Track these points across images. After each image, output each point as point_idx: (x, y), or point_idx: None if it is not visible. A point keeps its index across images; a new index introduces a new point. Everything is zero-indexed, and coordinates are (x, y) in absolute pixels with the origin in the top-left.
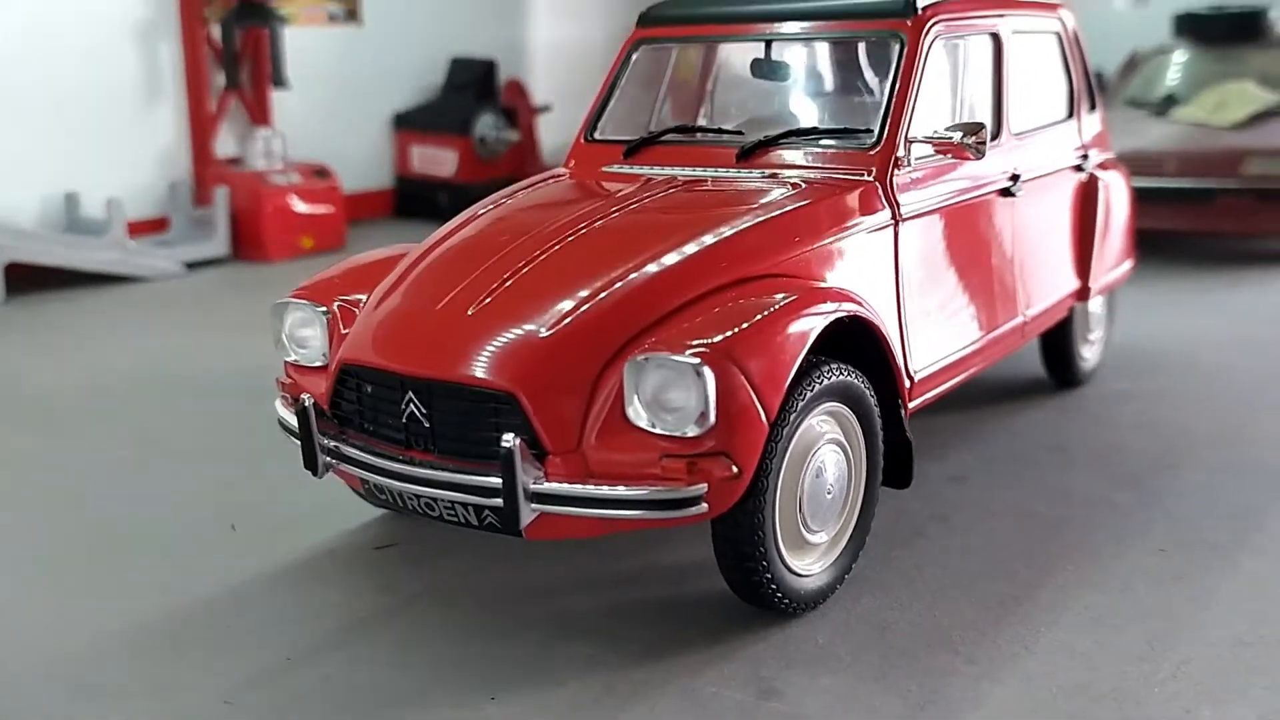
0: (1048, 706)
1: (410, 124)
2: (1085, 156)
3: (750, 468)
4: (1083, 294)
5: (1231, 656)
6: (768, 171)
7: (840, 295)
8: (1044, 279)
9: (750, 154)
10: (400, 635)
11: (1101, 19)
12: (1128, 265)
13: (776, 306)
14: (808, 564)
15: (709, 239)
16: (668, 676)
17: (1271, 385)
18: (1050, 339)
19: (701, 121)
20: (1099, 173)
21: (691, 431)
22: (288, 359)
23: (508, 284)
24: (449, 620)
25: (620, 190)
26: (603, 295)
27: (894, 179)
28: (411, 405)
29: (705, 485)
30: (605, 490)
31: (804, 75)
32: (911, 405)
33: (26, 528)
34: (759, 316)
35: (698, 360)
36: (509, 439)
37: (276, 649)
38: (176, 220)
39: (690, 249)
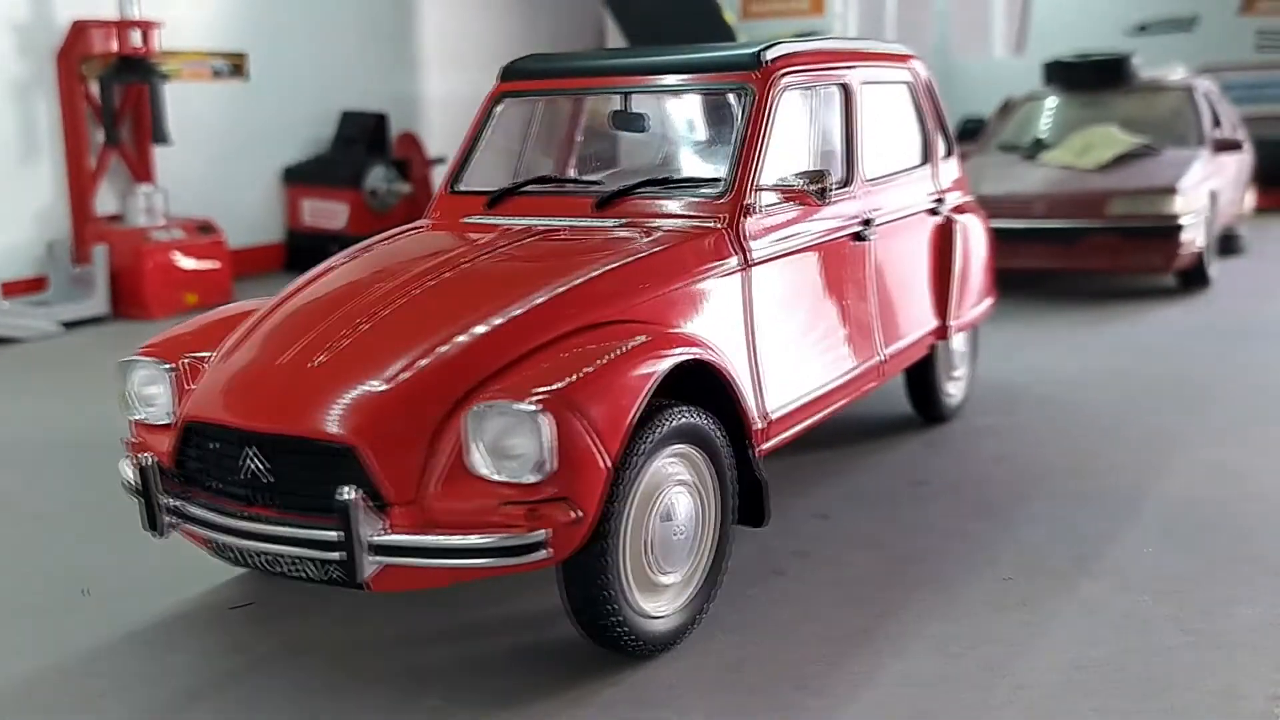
0: None
1: (300, 177)
2: (940, 200)
3: (592, 512)
4: (942, 333)
5: (1065, 680)
6: (623, 220)
7: (686, 340)
8: (901, 319)
9: (607, 203)
10: (248, 696)
11: (985, 67)
12: (987, 303)
13: (619, 353)
14: (659, 606)
15: (559, 287)
16: None
17: (1126, 417)
18: (914, 376)
19: (570, 172)
20: (956, 216)
21: (531, 478)
22: (134, 418)
23: (351, 337)
24: (299, 679)
25: (476, 240)
26: (445, 346)
27: (744, 226)
28: (253, 461)
29: (547, 531)
30: (447, 540)
31: (662, 126)
32: (768, 445)
33: None
34: (600, 362)
35: (536, 407)
36: (346, 491)
37: (123, 714)
38: (55, 279)
39: (538, 297)
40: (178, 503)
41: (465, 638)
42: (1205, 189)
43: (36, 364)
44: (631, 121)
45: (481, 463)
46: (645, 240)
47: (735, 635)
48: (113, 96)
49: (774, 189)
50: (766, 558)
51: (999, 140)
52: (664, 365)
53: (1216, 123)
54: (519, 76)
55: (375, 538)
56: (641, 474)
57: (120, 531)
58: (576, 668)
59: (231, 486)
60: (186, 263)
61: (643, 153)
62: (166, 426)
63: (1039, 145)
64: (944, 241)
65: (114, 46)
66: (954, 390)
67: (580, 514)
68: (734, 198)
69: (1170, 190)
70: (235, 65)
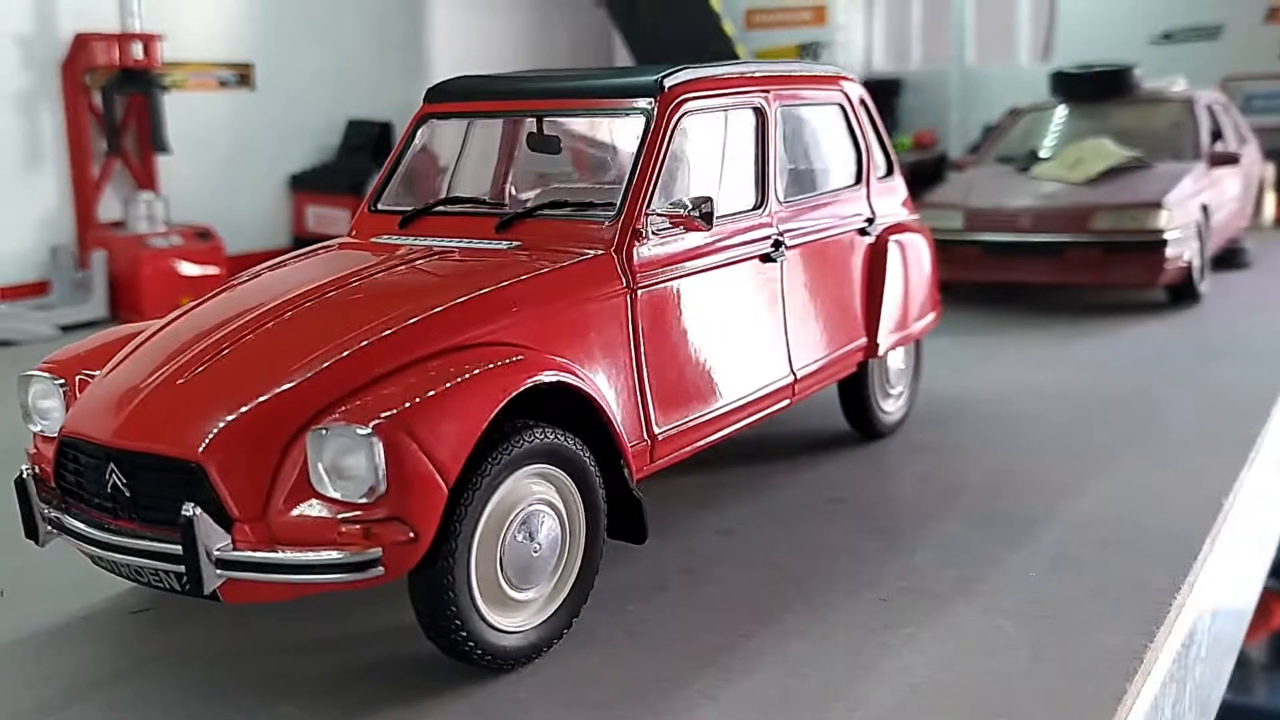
0: None
1: (306, 185)
2: (870, 220)
3: (428, 532)
4: (871, 350)
5: (899, 702)
6: (517, 243)
7: (550, 364)
8: (818, 337)
9: (508, 225)
10: (124, 698)
11: (1010, 75)
12: (926, 320)
13: (466, 376)
14: (518, 622)
15: (433, 309)
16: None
17: (1067, 435)
18: (846, 393)
19: (490, 193)
20: (897, 235)
21: (365, 498)
22: (33, 429)
23: (216, 360)
24: (180, 682)
25: (372, 261)
26: (302, 369)
27: (633, 250)
28: (114, 476)
29: (380, 550)
30: (285, 556)
31: (572, 149)
32: (659, 463)
33: None
34: (446, 386)
35: (369, 430)
36: (188, 508)
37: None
38: (58, 283)
39: (409, 319)
40: (55, 514)
41: (342, 648)
42: (1196, 203)
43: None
44: (546, 144)
45: (322, 483)
46: (531, 263)
47: (601, 651)
48: (114, 107)
49: (663, 214)
50: (656, 573)
51: (998, 151)
52: (512, 389)
53: (1218, 136)
54: (442, 98)
55: (219, 553)
56: (490, 494)
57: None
58: (431, 680)
59: (99, 500)
60: (185, 268)
61: (557, 175)
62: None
63: (1033, 158)
64: (874, 261)
65: (116, 58)
66: (890, 407)
67: (416, 534)
68: (624, 222)
69: (1155, 205)
70: (242, 75)
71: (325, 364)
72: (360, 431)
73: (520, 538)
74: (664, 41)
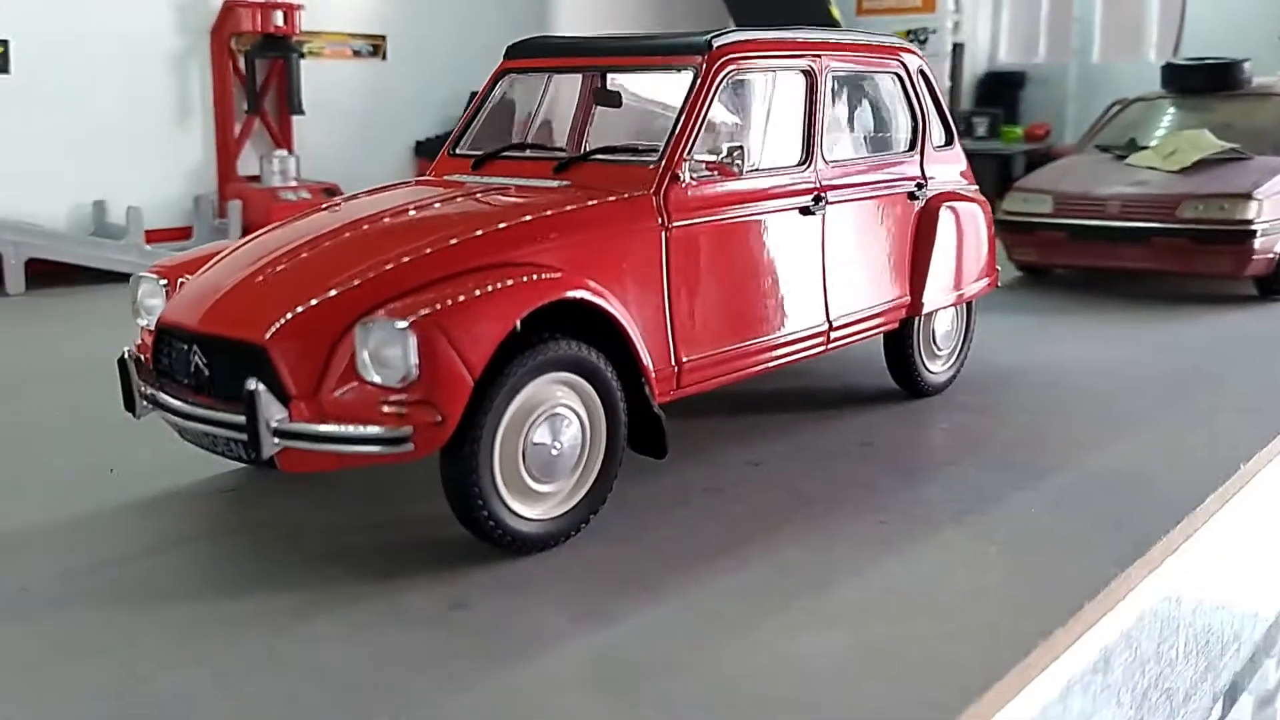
0: (686, 625)
1: (430, 151)
2: (921, 185)
3: (454, 417)
4: (914, 309)
5: (873, 600)
6: (568, 183)
7: (574, 283)
8: (858, 291)
9: (565, 168)
10: (208, 554)
11: (1137, 69)
12: (978, 286)
13: (496, 287)
14: (539, 511)
15: (476, 231)
16: (380, 592)
17: (1112, 401)
18: (891, 349)
19: (560, 139)
20: (950, 202)
21: (401, 384)
22: (140, 323)
23: (289, 264)
24: (250, 547)
25: (439, 194)
26: (359, 275)
27: (669, 192)
28: (196, 357)
29: (411, 428)
30: (330, 428)
31: (637, 102)
32: (686, 389)
33: None
34: (478, 293)
35: (406, 324)
36: (252, 382)
37: (84, 561)
38: (199, 230)
39: (456, 239)
40: (151, 391)
41: (389, 528)
42: None
43: None
44: (609, 98)
45: (366, 369)
46: (575, 198)
47: (614, 545)
48: (255, 70)
49: (701, 160)
50: (681, 490)
51: (1099, 140)
52: (536, 301)
53: None
54: (520, 54)
55: (276, 423)
56: (515, 393)
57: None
58: (466, 555)
59: (185, 379)
60: None
61: (619, 125)
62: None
63: (1132, 146)
64: (924, 224)
65: (259, 25)
66: (937, 368)
67: (443, 418)
68: (664, 166)
69: (1246, 196)
70: (375, 46)
71: (378, 271)
72: (399, 325)
73: (542, 435)
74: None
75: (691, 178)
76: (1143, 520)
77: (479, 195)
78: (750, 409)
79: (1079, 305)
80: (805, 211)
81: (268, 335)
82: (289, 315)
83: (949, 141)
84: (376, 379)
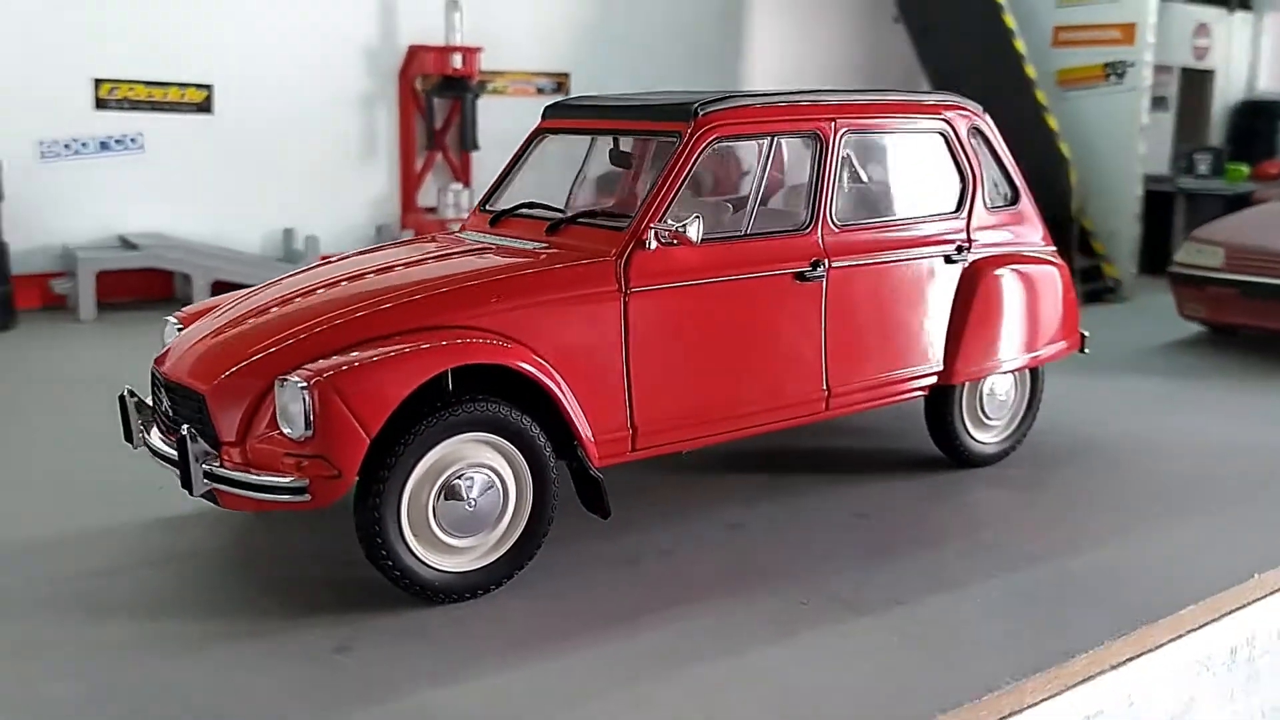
0: (535, 691)
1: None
2: (962, 248)
3: (350, 472)
4: (946, 376)
5: (732, 689)
6: (544, 244)
7: (494, 350)
8: (869, 357)
9: (556, 229)
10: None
11: None
12: (1035, 355)
13: (405, 350)
14: (454, 563)
15: (428, 291)
16: (280, 627)
17: (1170, 484)
18: (930, 416)
19: (580, 199)
20: (1004, 265)
21: (301, 438)
22: None
23: (258, 318)
24: (214, 571)
25: (428, 250)
26: (298, 333)
27: (634, 257)
28: (164, 400)
29: (308, 480)
30: (246, 476)
31: (641, 165)
32: (643, 450)
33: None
34: (382, 356)
35: (304, 383)
36: (185, 427)
37: (92, 562)
38: None
39: (390, 304)
40: (142, 427)
41: (337, 562)
42: None
43: None
44: (622, 159)
45: (279, 421)
46: (536, 261)
47: (533, 602)
48: (434, 109)
49: (662, 228)
50: (636, 549)
51: None
52: (438, 368)
53: None
54: (553, 115)
55: (206, 465)
56: (424, 451)
57: None
58: (373, 597)
59: (163, 418)
60: None
61: (622, 186)
62: None
63: None
64: (965, 288)
65: (440, 67)
66: (985, 438)
67: (338, 472)
68: (630, 233)
69: None
70: (559, 83)
71: (312, 331)
72: (299, 384)
73: (456, 492)
74: (954, 58)
75: (660, 243)
76: (1078, 634)
77: (459, 254)
78: (770, 466)
79: (1251, 371)
80: (801, 277)
81: (209, 385)
82: (232, 369)
83: (1013, 201)
84: (287, 432)
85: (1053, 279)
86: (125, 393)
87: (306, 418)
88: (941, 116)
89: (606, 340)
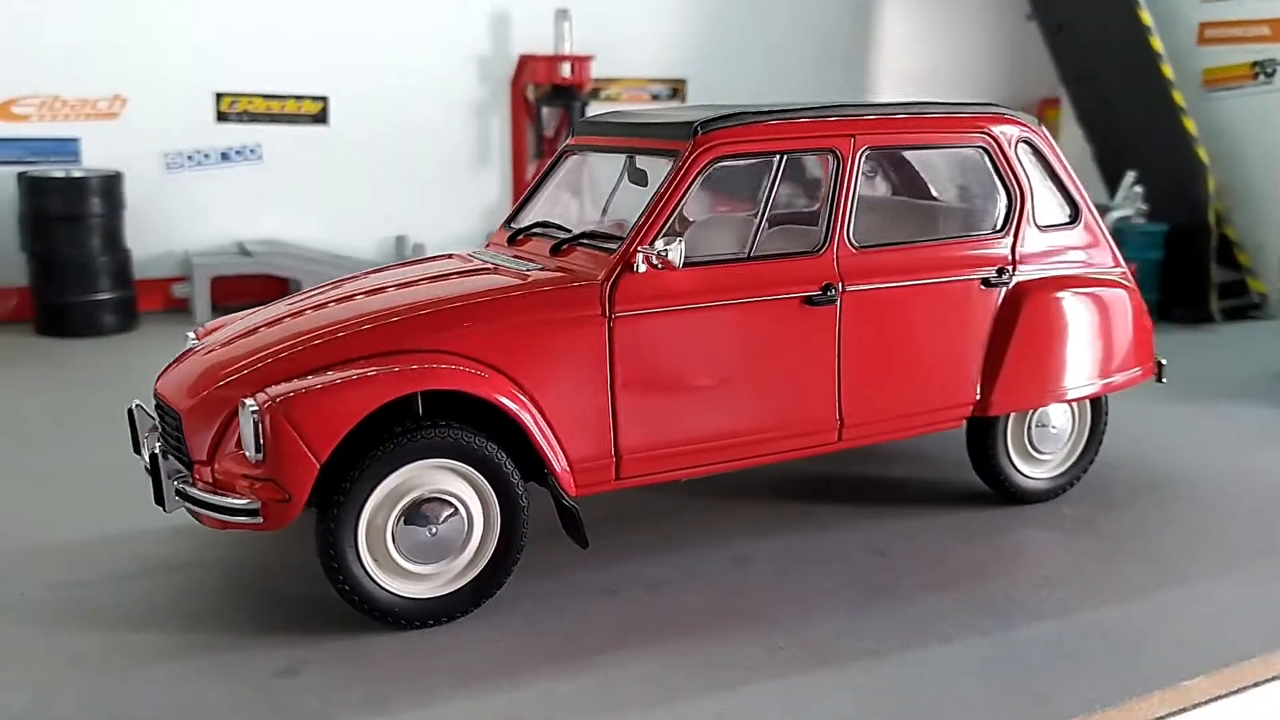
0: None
1: None
2: (1004, 270)
3: (300, 496)
4: (981, 408)
5: None
6: (538, 265)
7: (454, 377)
8: (890, 386)
9: (558, 249)
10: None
11: None
12: (1101, 384)
13: (358, 375)
14: (416, 590)
15: (393, 319)
16: (230, 644)
17: (1214, 526)
18: (972, 448)
19: (597, 217)
20: (1057, 289)
21: (253, 460)
22: None
23: (245, 339)
24: (194, 584)
25: (434, 270)
26: (271, 355)
27: (621, 281)
28: (159, 416)
29: (260, 502)
30: (210, 496)
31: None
32: (627, 480)
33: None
34: (342, 379)
35: (257, 407)
36: (155, 444)
37: (86, 571)
38: None
39: (367, 325)
40: (147, 439)
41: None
42: None
43: None
44: (639, 176)
45: (240, 443)
46: (521, 283)
47: (494, 631)
48: (541, 117)
49: (650, 253)
50: (622, 581)
51: None
52: (391, 394)
53: None
54: (580, 133)
55: (177, 484)
56: (381, 476)
57: None
58: (333, 620)
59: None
60: None
61: (631, 206)
62: None
63: None
64: (1005, 313)
65: (549, 76)
66: (1035, 472)
67: (289, 496)
68: (617, 256)
69: None
70: (675, 89)
71: (285, 354)
72: (251, 408)
73: (416, 519)
74: (1089, 57)
75: (649, 267)
76: (1065, 702)
77: (459, 275)
78: (798, 494)
79: None
80: (810, 301)
81: (186, 405)
82: (207, 390)
83: (1073, 220)
84: (246, 454)
85: (1120, 302)
86: (134, 406)
87: (258, 441)
88: (982, 130)
89: (589, 366)
